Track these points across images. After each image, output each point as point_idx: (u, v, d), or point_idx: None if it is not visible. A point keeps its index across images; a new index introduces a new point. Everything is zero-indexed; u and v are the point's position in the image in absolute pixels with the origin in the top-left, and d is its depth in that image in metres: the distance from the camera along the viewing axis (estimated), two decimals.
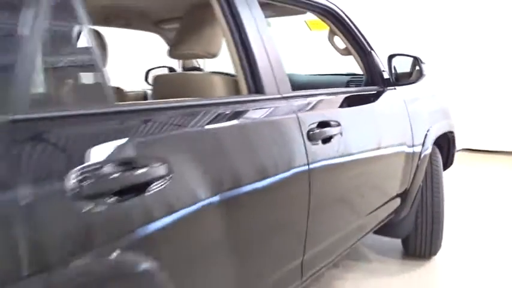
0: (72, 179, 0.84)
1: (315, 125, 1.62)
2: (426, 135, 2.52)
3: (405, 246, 2.86)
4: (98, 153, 0.92)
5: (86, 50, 1.01)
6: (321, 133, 1.63)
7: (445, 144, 3.02)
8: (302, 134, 1.55)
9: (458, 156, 5.90)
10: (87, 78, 1.02)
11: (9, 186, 0.76)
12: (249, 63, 1.51)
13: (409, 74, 2.30)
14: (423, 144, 2.49)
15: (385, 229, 2.57)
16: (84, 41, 1.00)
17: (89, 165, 0.88)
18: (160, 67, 3.04)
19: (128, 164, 0.96)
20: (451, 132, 2.96)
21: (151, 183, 0.99)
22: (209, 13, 1.58)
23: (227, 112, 1.36)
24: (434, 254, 2.87)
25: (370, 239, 3.18)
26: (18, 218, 0.76)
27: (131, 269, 0.95)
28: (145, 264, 0.97)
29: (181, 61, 2.95)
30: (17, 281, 0.74)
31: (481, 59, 6.34)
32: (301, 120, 1.56)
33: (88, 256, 0.86)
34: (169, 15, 2.38)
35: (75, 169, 0.85)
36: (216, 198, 1.16)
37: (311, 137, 1.59)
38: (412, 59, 2.25)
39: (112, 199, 0.91)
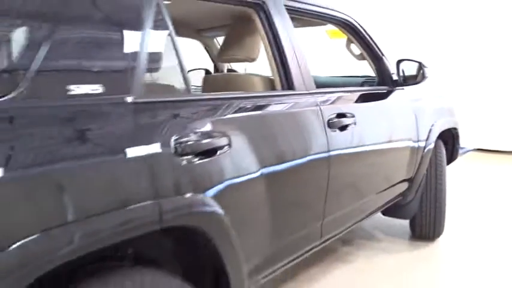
0: (173, 143, 1.27)
1: (334, 115, 2.03)
2: (430, 129, 2.89)
3: (412, 228, 3.23)
4: (186, 126, 1.35)
5: (174, 54, 1.44)
6: (338, 122, 2.04)
7: (450, 140, 3.37)
8: (323, 122, 1.96)
9: (471, 156, 6.23)
10: (175, 74, 1.44)
11: (135, 144, 1.19)
12: (282, 66, 1.92)
13: (415, 76, 2.68)
14: (427, 138, 2.87)
15: (393, 211, 2.96)
16: (173, 47, 1.44)
17: (181, 135, 1.31)
18: (197, 69, 3.44)
19: (205, 135, 1.38)
20: (455, 129, 3.31)
21: (218, 150, 1.42)
22: (250, 25, 2.00)
23: (267, 103, 1.78)
24: (438, 236, 3.23)
25: (380, 223, 3.57)
26: (146, 168, 1.19)
27: (204, 206, 1.36)
28: (214, 204, 1.38)
29: (219, 64, 3.34)
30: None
31: (495, 61, 6.51)
32: (323, 111, 1.97)
33: (182, 188, 1.29)
34: (210, 25, 2.80)
35: (175, 136, 1.28)
36: (258, 166, 1.58)
37: (330, 125, 1.99)
38: (417, 63, 2.63)
39: (195, 157, 1.33)
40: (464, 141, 6.52)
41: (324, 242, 2.14)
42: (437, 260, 3.09)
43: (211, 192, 1.38)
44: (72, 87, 1.12)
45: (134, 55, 1.29)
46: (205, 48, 3.23)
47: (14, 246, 0.90)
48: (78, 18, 1.19)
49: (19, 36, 1.10)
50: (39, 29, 1.12)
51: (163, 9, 1.42)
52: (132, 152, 1.18)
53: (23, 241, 0.92)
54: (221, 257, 1.44)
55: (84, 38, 1.20)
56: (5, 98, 1.00)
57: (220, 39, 3.22)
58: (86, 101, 1.15)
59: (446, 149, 3.30)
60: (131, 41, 1.30)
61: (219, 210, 1.40)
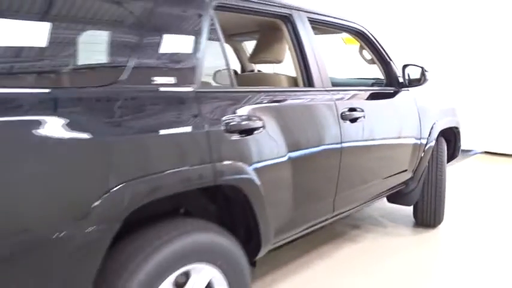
0: (223, 122, 1.69)
1: (346, 109, 2.44)
2: (432, 127, 3.27)
3: (415, 215, 3.61)
4: (232, 111, 1.77)
5: (223, 56, 1.87)
6: (350, 115, 2.44)
7: (452, 138, 3.74)
8: (337, 115, 2.37)
9: (479, 158, 6.53)
10: (224, 71, 1.87)
11: (195, 121, 1.61)
12: (304, 67, 2.34)
13: (419, 80, 3.06)
14: (429, 134, 3.25)
15: (397, 198, 3.35)
16: (222, 51, 1.87)
17: (229, 117, 1.73)
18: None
19: (245, 118, 1.80)
20: (457, 128, 3.67)
21: (255, 130, 1.83)
22: (278, 33, 2.42)
23: (291, 97, 2.20)
24: (439, 223, 3.60)
25: (386, 211, 3.96)
26: (204, 139, 1.61)
27: (243, 172, 1.77)
28: (251, 172, 1.80)
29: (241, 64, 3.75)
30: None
31: (505, 67, 6.79)
32: (337, 105, 2.38)
33: (229, 157, 1.71)
34: (241, 31, 3.21)
35: (224, 117, 1.71)
36: (284, 146, 1.99)
37: (343, 117, 2.40)
38: (420, 68, 3.02)
39: (239, 135, 1.75)
40: (473, 144, 6.87)
41: (335, 216, 2.55)
42: (437, 243, 3.45)
43: (249, 162, 1.80)
44: (155, 78, 1.56)
45: (196, 56, 1.72)
46: (234, 51, 3.65)
47: (114, 193, 1.33)
48: (161, 30, 1.63)
49: (122, 43, 1.53)
50: (134, 37, 1.56)
51: (216, 22, 1.85)
52: (193, 126, 1.61)
53: (129, 182, 1.35)
54: (255, 214, 1.85)
55: (163, 43, 1.63)
56: (114, 84, 1.44)
57: (247, 43, 3.65)
58: (164, 88, 1.58)
59: (448, 147, 3.68)
60: (194, 46, 1.73)
61: (254, 176, 1.82)
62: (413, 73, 3.05)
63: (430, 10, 7.25)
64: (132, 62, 1.50)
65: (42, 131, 1.21)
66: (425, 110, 3.22)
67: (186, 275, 1.66)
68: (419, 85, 3.05)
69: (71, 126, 1.27)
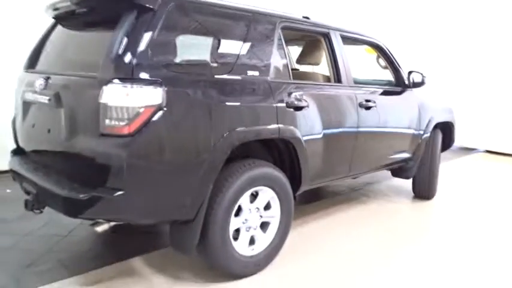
0: (285, 100, 2.74)
1: (363, 100, 3.46)
2: (429, 120, 4.26)
3: (413, 189, 4.60)
4: (290, 94, 2.82)
5: (286, 59, 2.92)
6: (365, 104, 3.46)
7: (448, 131, 4.71)
8: (357, 103, 3.39)
9: (480, 156, 7.42)
10: (285, 69, 2.91)
11: (269, 99, 2.67)
12: (336, 68, 3.36)
13: (420, 83, 4.05)
14: (427, 126, 4.24)
15: (399, 172, 4.34)
16: (286, 54, 2.92)
17: (288, 98, 2.78)
18: None
19: (298, 100, 2.85)
20: (451, 123, 4.65)
21: (303, 107, 2.88)
22: (318, 43, 3.45)
23: (326, 89, 3.24)
24: (432, 196, 4.59)
25: (392, 185, 4.97)
26: (274, 110, 2.67)
27: (295, 132, 2.80)
28: (299, 133, 2.83)
29: None
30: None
31: (507, 71, 7.55)
32: (357, 96, 3.41)
33: (287, 122, 2.75)
34: (292, 41, 4.19)
35: (286, 98, 2.76)
36: (320, 121, 3.03)
37: (361, 105, 3.43)
38: (420, 74, 4.01)
39: (294, 109, 2.80)
40: (476, 143, 7.75)
41: (350, 175, 3.59)
42: (430, 209, 4.44)
43: (299, 126, 2.84)
44: (248, 71, 2.62)
45: (268, 58, 2.76)
46: None
47: (226, 135, 2.38)
48: (252, 42, 2.68)
49: (233, 50, 2.60)
50: (238, 47, 2.61)
51: (282, 37, 2.90)
52: (264, 101, 2.65)
53: (229, 133, 2.40)
54: (300, 162, 2.90)
55: (252, 50, 2.68)
56: (226, 74, 2.51)
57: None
58: (252, 78, 2.64)
59: (444, 138, 4.66)
60: (269, 52, 2.78)
61: (301, 136, 2.86)
62: (416, 77, 4.04)
63: (434, 14, 8.10)
64: (237, 62, 2.57)
65: (198, 96, 2.29)
66: (425, 106, 4.21)
67: (257, 193, 2.72)
68: (420, 86, 4.04)
69: (210, 96, 2.34)
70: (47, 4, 2.84)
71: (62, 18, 2.88)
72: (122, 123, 2.08)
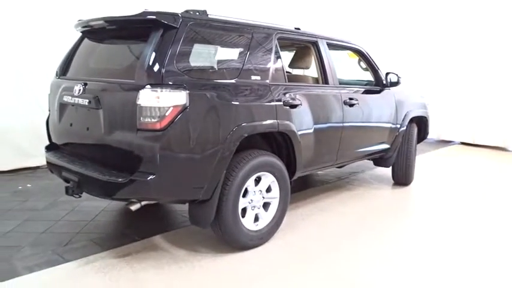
0: (282, 99, 3.28)
1: (347, 98, 4.02)
2: (405, 115, 4.85)
3: (392, 175, 5.19)
4: (286, 94, 3.36)
5: (281, 65, 3.46)
6: (349, 102, 4.02)
7: (423, 125, 5.31)
8: (342, 101, 3.95)
9: (455, 148, 8.07)
10: (282, 73, 3.45)
11: (266, 100, 3.20)
12: (323, 71, 3.91)
13: (396, 82, 4.63)
14: (403, 120, 4.82)
15: (380, 162, 4.93)
16: (281, 61, 3.45)
17: (285, 97, 3.32)
18: None
19: (293, 99, 3.39)
20: (425, 117, 5.25)
21: (297, 105, 3.42)
22: (308, 50, 4.00)
23: (315, 89, 3.79)
24: (410, 182, 5.18)
25: (374, 174, 5.55)
26: (273, 108, 3.21)
27: (291, 126, 3.34)
28: (294, 127, 3.37)
29: None
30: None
31: (477, 68, 8.15)
32: (342, 95, 3.97)
33: (284, 118, 3.29)
34: (284, 48, 4.71)
35: (282, 97, 3.29)
36: (310, 116, 3.58)
37: (345, 103, 3.98)
38: (396, 75, 4.58)
39: (289, 107, 3.35)
40: (453, 136, 8.40)
41: (336, 163, 4.15)
42: (407, 193, 5.04)
43: (294, 122, 3.37)
44: (252, 76, 3.15)
45: (267, 64, 3.30)
46: None
47: (236, 129, 2.90)
48: (254, 51, 3.21)
49: (239, 59, 3.12)
50: (243, 55, 3.14)
51: (278, 46, 3.43)
52: (266, 101, 3.19)
53: (239, 127, 2.93)
54: (295, 151, 3.44)
55: (255, 58, 3.20)
56: (235, 79, 3.04)
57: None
58: (255, 81, 3.17)
59: (419, 131, 5.25)
60: (268, 59, 3.32)
61: (296, 129, 3.40)
62: (393, 78, 4.61)
63: (411, 14, 8.71)
64: (243, 68, 3.10)
65: (214, 97, 2.81)
66: (401, 103, 4.80)
67: (260, 178, 3.25)
68: (396, 86, 4.62)
69: (223, 97, 2.87)
70: (77, 21, 3.33)
71: (92, 33, 3.37)
72: (154, 120, 2.59)
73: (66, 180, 3.10)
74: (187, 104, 2.66)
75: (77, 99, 3.00)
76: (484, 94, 8.16)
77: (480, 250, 3.43)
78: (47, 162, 3.40)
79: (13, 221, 3.70)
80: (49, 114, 3.55)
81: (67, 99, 3.12)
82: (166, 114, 2.60)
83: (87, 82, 2.98)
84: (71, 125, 3.18)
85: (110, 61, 3.20)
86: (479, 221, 4.11)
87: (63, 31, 5.31)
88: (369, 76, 4.73)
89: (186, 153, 2.73)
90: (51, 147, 3.52)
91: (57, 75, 3.49)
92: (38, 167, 5.58)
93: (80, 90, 2.97)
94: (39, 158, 5.52)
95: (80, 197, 3.09)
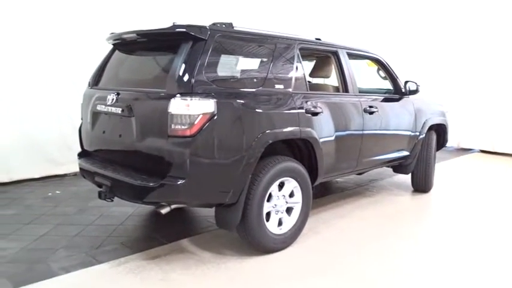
0: (304, 107, 3.40)
1: (367, 106, 4.11)
2: (424, 123, 4.91)
3: (412, 182, 5.24)
4: (312, 101, 3.48)
5: (303, 73, 3.58)
6: (369, 110, 4.11)
7: (441, 133, 5.36)
8: (362, 109, 4.05)
9: (475, 156, 8.05)
10: (304, 82, 3.57)
11: (288, 107, 3.33)
12: (343, 79, 4.02)
13: (415, 90, 4.70)
14: (422, 127, 4.89)
15: (399, 169, 4.99)
16: (303, 70, 3.58)
17: (307, 105, 3.43)
18: None
19: (315, 107, 3.50)
20: (444, 125, 5.30)
21: (319, 113, 3.53)
22: (328, 59, 4.12)
23: (336, 97, 3.90)
24: (429, 189, 5.22)
25: (393, 182, 5.60)
26: (296, 116, 3.33)
27: (313, 133, 3.46)
28: (316, 134, 3.49)
29: None
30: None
31: (495, 75, 8.11)
32: (362, 103, 4.07)
33: (306, 125, 3.40)
34: (306, 57, 4.84)
35: (304, 105, 3.41)
36: (332, 124, 3.68)
37: (365, 110, 4.08)
38: (415, 83, 4.66)
39: (311, 115, 3.46)
40: (472, 144, 8.37)
41: (357, 170, 4.24)
42: (426, 200, 5.08)
43: (315, 129, 3.48)
44: (276, 85, 3.28)
45: (290, 73, 3.43)
46: None
47: (261, 135, 3.03)
48: (277, 61, 3.34)
49: (263, 69, 3.26)
50: (267, 66, 3.28)
51: (300, 56, 3.56)
52: (289, 109, 3.31)
53: (264, 133, 3.05)
54: (317, 157, 3.54)
55: (278, 68, 3.34)
56: (259, 87, 3.17)
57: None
58: (278, 90, 3.29)
59: (438, 138, 5.30)
60: (290, 69, 3.45)
61: (317, 136, 3.51)
62: (412, 86, 4.69)
63: (427, 23, 8.73)
64: (267, 78, 3.23)
65: (240, 105, 2.94)
66: (420, 111, 4.87)
67: (283, 183, 3.36)
68: (415, 94, 4.70)
69: (248, 105, 3.00)
70: (110, 34, 3.53)
71: (123, 45, 3.55)
72: (184, 127, 2.74)
73: (99, 185, 3.26)
74: (215, 112, 2.80)
75: (110, 108, 3.17)
76: (503, 101, 8.12)
77: (498, 256, 3.47)
78: (80, 168, 3.57)
79: (46, 225, 3.88)
80: (82, 123, 3.73)
81: (100, 108, 3.29)
82: (196, 121, 2.74)
83: (120, 92, 3.14)
84: (104, 132, 3.35)
85: (141, 71, 3.37)
86: (497, 228, 4.13)
87: (89, 44, 5.57)
88: (388, 85, 4.82)
89: (213, 159, 2.86)
90: (83, 154, 3.69)
91: (89, 86, 3.67)
92: (65, 175, 5.79)
93: (113, 99, 3.14)
94: (68, 166, 5.81)
95: (112, 201, 3.24)
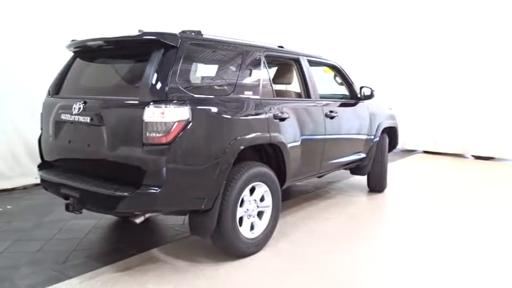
0: (271, 113, 3.48)
1: (328, 111, 4.28)
2: (378, 125, 5.18)
3: (368, 183, 5.49)
4: (276, 108, 3.56)
5: (269, 81, 3.67)
6: (330, 115, 4.28)
7: (393, 135, 5.66)
8: (323, 114, 4.20)
9: (419, 156, 8.54)
10: (270, 89, 3.66)
11: (259, 112, 3.40)
12: (305, 85, 4.16)
13: (370, 95, 4.95)
14: (376, 130, 5.14)
15: (357, 170, 5.21)
16: (269, 77, 3.67)
17: (274, 111, 3.52)
18: None
19: (281, 112, 3.60)
20: (395, 128, 5.60)
21: (286, 118, 3.63)
22: (290, 66, 4.24)
23: (300, 103, 4.02)
24: (384, 189, 5.49)
25: (350, 183, 5.83)
26: (264, 121, 3.40)
27: (281, 138, 3.54)
28: (283, 139, 3.58)
29: None
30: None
31: (435, 79, 8.74)
32: (323, 109, 4.22)
33: (275, 130, 3.48)
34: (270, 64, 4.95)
35: (272, 111, 3.49)
36: (297, 128, 3.79)
37: (327, 115, 4.24)
38: (370, 88, 4.91)
39: (279, 120, 3.55)
40: (416, 146, 8.87)
41: (320, 173, 4.38)
42: (382, 199, 5.34)
43: (283, 134, 3.57)
44: (245, 92, 3.34)
45: (258, 80, 3.50)
46: None
47: (234, 141, 3.07)
48: (245, 69, 3.40)
49: (232, 76, 3.30)
50: (236, 73, 3.32)
51: (266, 63, 3.65)
52: (258, 115, 3.37)
53: (236, 139, 3.09)
54: (285, 162, 3.62)
55: (246, 75, 3.40)
56: (230, 94, 3.21)
57: None
58: (248, 96, 3.35)
59: (390, 141, 5.59)
60: (258, 76, 3.52)
61: (285, 141, 3.60)
62: (366, 91, 4.93)
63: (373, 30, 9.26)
64: (236, 84, 3.28)
65: (214, 112, 2.97)
66: (374, 115, 5.12)
67: (254, 188, 3.41)
68: (370, 99, 4.94)
69: (221, 111, 3.03)
70: (71, 41, 3.42)
71: (86, 53, 3.45)
72: (160, 135, 2.72)
73: (66, 197, 3.13)
74: (190, 119, 2.80)
75: (76, 116, 3.07)
76: (444, 105, 8.72)
77: (456, 248, 3.74)
78: (42, 180, 3.41)
79: (3, 242, 3.65)
80: (41, 133, 3.57)
81: (65, 117, 3.17)
82: (172, 129, 2.73)
83: (87, 100, 3.05)
84: (70, 142, 3.23)
85: (109, 79, 3.29)
86: (451, 222, 4.44)
87: (37, 51, 5.35)
88: (343, 90, 5.03)
89: (189, 166, 2.86)
90: (44, 165, 3.53)
91: (49, 94, 3.53)
92: (13, 189, 5.48)
93: (79, 108, 3.04)
94: (16, 180, 5.50)
95: (81, 213, 3.13)
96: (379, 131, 5.19)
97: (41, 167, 3.54)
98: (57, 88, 3.51)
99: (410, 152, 9.16)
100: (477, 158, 8.48)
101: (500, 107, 8.09)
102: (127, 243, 3.69)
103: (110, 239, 3.88)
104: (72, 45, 3.41)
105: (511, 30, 7.95)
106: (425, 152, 9.11)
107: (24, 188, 5.56)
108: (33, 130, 5.50)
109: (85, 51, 3.45)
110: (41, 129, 3.58)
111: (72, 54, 3.58)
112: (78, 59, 3.52)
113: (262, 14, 8.43)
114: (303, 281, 3.03)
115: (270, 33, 7.90)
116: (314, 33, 9.04)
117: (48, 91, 3.56)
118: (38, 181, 5.50)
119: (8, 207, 4.77)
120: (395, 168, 7.19)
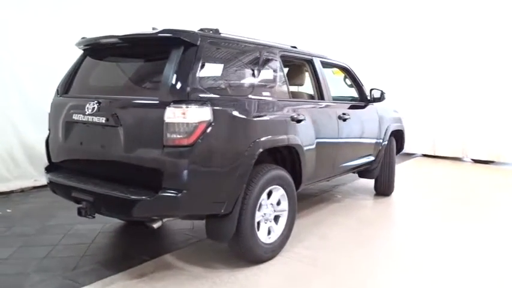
0: (289, 115, 3.39)
1: (341, 113, 4.21)
2: (387, 129, 5.12)
3: (375, 188, 5.43)
4: (293, 110, 3.47)
5: (285, 82, 3.58)
6: (343, 117, 4.21)
7: (399, 138, 5.62)
8: (337, 116, 4.13)
9: (419, 160, 8.52)
10: (285, 90, 3.57)
11: (277, 115, 3.31)
12: (319, 87, 4.08)
13: (380, 98, 4.89)
14: (385, 133, 5.09)
15: (365, 174, 5.15)
16: (284, 79, 3.58)
17: (292, 113, 3.43)
18: None
19: (298, 114, 3.51)
20: (402, 131, 5.56)
21: (302, 120, 3.54)
22: (303, 67, 4.16)
23: (315, 105, 3.94)
24: (390, 193, 5.44)
25: (358, 186, 5.77)
26: (283, 123, 3.31)
27: (298, 140, 3.45)
28: (300, 141, 3.49)
29: None
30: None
31: (434, 83, 8.78)
32: (336, 110, 4.15)
33: (292, 132, 3.39)
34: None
35: (290, 113, 3.41)
36: (313, 129, 3.71)
37: (340, 117, 4.17)
38: (380, 91, 4.85)
39: (296, 122, 3.46)
40: (416, 149, 8.87)
41: (334, 175, 4.31)
42: (390, 203, 5.29)
43: (299, 136, 3.49)
44: (262, 93, 3.24)
45: (275, 80, 3.41)
46: None
47: (254, 143, 2.97)
48: (263, 69, 3.31)
49: (251, 78, 3.21)
50: (255, 75, 3.23)
51: (281, 64, 3.56)
52: (277, 116, 3.28)
53: (256, 141, 2.99)
54: (301, 164, 3.54)
55: (264, 76, 3.31)
56: (248, 95, 3.11)
57: None
58: (266, 97, 3.26)
59: (397, 143, 5.55)
60: (274, 77, 3.43)
61: (301, 143, 3.51)
62: (376, 93, 4.87)
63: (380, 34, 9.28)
64: (254, 85, 3.18)
65: (234, 113, 2.87)
66: (383, 118, 5.07)
67: (271, 192, 3.31)
68: (380, 101, 4.89)
69: (241, 112, 2.93)
70: (80, 39, 3.29)
71: (97, 51, 3.32)
72: (182, 136, 2.61)
73: (77, 201, 3.00)
74: (212, 120, 2.70)
75: (90, 117, 2.94)
76: (442, 109, 8.74)
77: (467, 250, 3.69)
78: (50, 182, 3.27)
79: (7, 248, 3.49)
80: (49, 134, 3.43)
81: (77, 117, 3.04)
82: (194, 130, 2.62)
83: (101, 100, 2.93)
84: (81, 143, 3.10)
85: (124, 78, 3.17)
86: (460, 224, 4.40)
87: (37, 50, 5.20)
88: (351, 92, 4.97)
89: (211, 168, 2.76)
90: (52, 168, 3.39)
91: (58, 94, 3.39)
92: (12, 191, 5.29)
93: (93, 108, 2.92)
94: (14, 182, 5.32)
95: (94, 217, 2.99)
96: (388, 134, 5.14)
97: (48, 169, 3.39)
98: (66, 87, 3.38)
99: (410, 155, 9.15)
100: (476, 161, 8.51)
101: (500, 111, 8.14)
102: (137, 249, 3.56)
103: (118, 244, 3.75)
104: (83, 43, 3.29)
105: (509, 34, 8.00)
106: (424, 155, 9.11)
107: (22, 190, 5.37)
108: (32, 132, 5.38)
109: (96, 49, 3.33)
110: (49, 129, 3.44)
111: (81, 52, 3.44)
112: (88, 57, 3.39)
113: (268, 13, 8.36)
114: (325, 287, 2.94)
115: (275, 33, 7.80)
116: (314, 33, 8.97)
117: (57, 90, 3.42)
118: (37, 184, 5.50)
119: (8, 211, 4.59)
120: (398, 172, 7.14)
